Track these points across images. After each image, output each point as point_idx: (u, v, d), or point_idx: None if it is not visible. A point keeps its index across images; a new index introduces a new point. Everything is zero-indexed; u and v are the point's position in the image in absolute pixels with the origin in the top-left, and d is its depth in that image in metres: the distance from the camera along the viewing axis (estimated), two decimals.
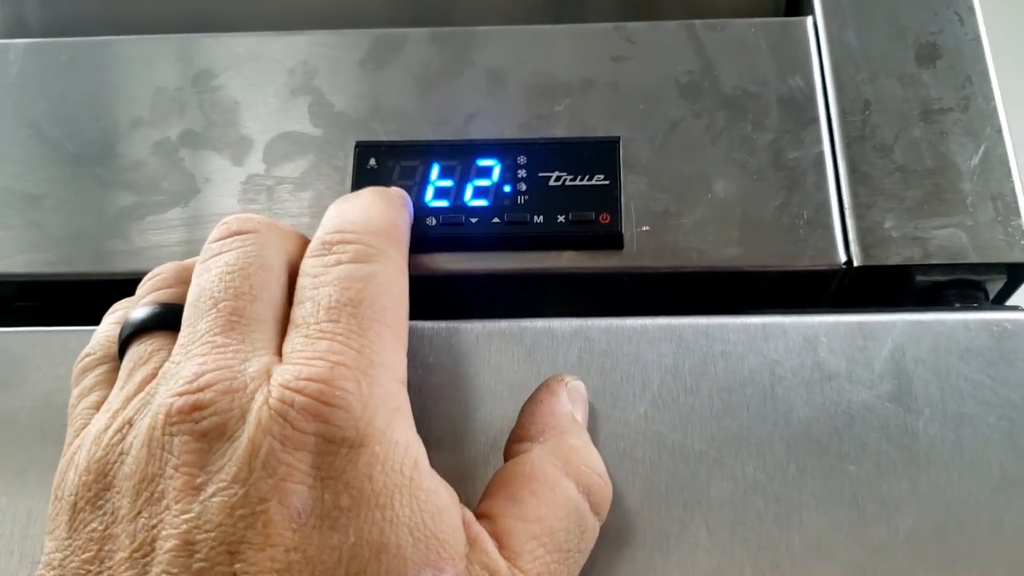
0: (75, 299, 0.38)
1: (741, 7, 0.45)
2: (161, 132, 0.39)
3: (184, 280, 0.29)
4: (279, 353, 0.26)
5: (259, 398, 0.24)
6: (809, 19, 0.40)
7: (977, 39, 0.38)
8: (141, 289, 0.30)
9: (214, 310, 0.26)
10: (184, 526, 0.23)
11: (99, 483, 0.25)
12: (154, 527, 0.23)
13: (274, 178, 0.38)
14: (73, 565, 0.24)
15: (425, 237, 0.35)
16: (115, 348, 0.29)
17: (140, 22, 0.47)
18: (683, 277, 0.35)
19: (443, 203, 0.36)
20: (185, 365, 0.25)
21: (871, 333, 0.32)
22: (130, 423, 0.25)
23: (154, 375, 0.27)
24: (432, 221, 0.36)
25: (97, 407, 0.28)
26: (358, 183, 0.37)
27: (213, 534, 0.22)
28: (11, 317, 0.38)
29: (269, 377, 0.25)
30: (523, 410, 0.30)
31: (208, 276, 0.28)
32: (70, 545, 0.24)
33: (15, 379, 0.34)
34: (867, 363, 0.32)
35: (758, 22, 0.40)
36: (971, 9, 0.39)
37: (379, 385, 0.25)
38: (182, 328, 0.27)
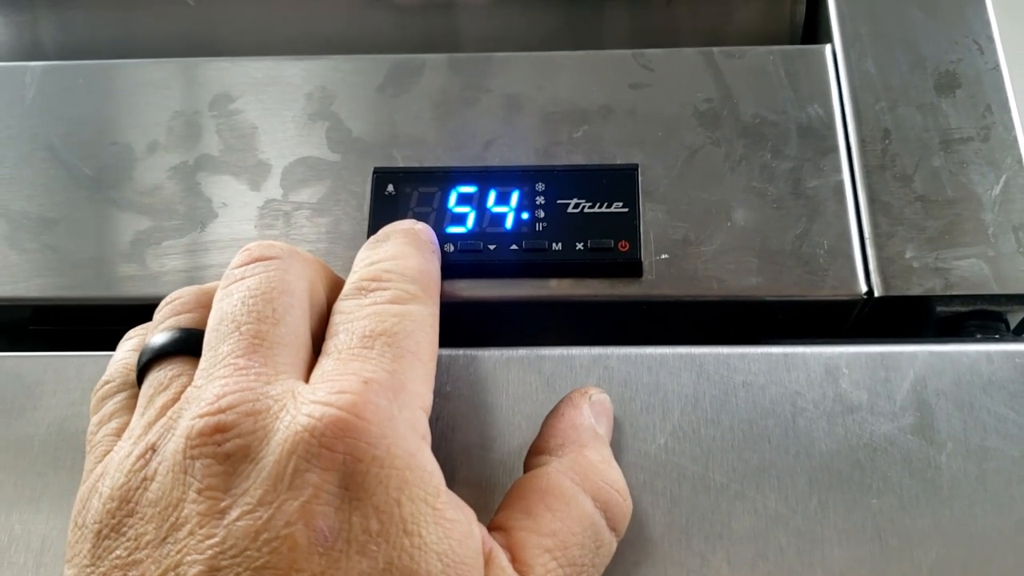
0: (90, 324, 0.38)
1: (757, 34, 0.45)
2: (178, 156, 0.39)
3: (204, 305, 0.29)
4: (303, 378, 0.26)
5: (285, 417, 0.24)
6: (828, 47, 0.40)
7: (997, 68, 0.38)
8: (159, 314, 0.30)
9: (236, 333, 0.26)
10: (209, 551, 0.22)
11: (122, 510, 0.24)
12: (179, 552, 0.23)
13: (292, 203, 0.38)
14: None
15: (443, 264, 0.35)
16: (134, 375, 0.29)
17: (156, 45, 0.47)
18: (703, 306, 0.35)
19: (461, 230, 0.36)
20: (207, 388, 0.25)
21: (893, 364, 0.32)
22: (153, 448, 0.25)
23: (176, 400, 0.26)
24: (450, 248, 0.36)
25: (118, 434, 0.27)
26: (376, 209, 0.36)
27: (238, 559, 0.22)
28: (25, 341, 0.38)
29: (295, 397, 0.25)
30: (545, 422, 0.30)
31: (230, 300, 0.27)
32: (93, 572, 0.24)
33: (28, 405, 0.33)
34: (889, 395, 0.31)
35: (776, 50, 0.39)
36: (990, 38, 0.39)
37: (408, 409, 0.25)
38: (203, 352, 0.27)
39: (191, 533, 0.23)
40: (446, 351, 0.33)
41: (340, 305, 0.28)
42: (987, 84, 0.38)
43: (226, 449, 0.24)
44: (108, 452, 0.27)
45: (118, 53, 0.46)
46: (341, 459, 0.23)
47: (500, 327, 0.37)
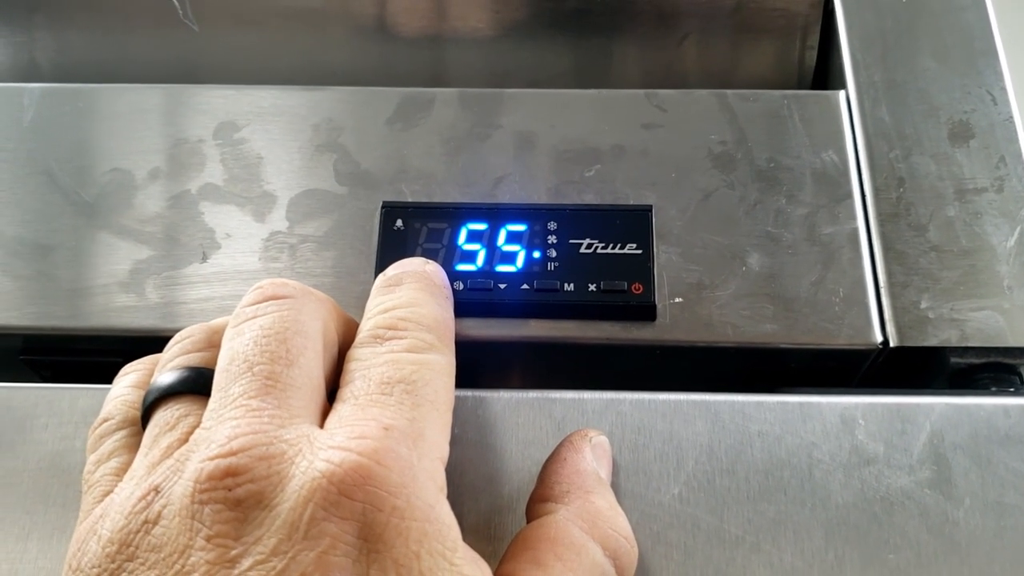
0: (85, 355, 0.36)
1: (766, 78, 0.45)
2: (180, 184, 0.38)
3: (214, 344, 0.28)
4: (317, 423, 0.25)
5: (302, 463, 0.23)
6: (842, 93, 0.39)
7: (1010, 119, 0.38)
8: (168, 352, 0.29)
9: (248, 374, 0.25)
10: None
11: (122, 554, 0.23)
12: None
13: (297, 236, 0.37)
14: None
15: (453, 304, 0.34)
16: (136, 413, 0.28)
17: (155, 70, 0.47)
18: (717, 352, 0.35)
19: (471, 267, 0.35)
20: (217, 430, 0.24)
21: (909, 416, 0.31)
22: (156, 490, 0.24)
23: (182, 441, 0.25)
24: (459, 285, 0.35)
25: (118, 474, 0.26)
26: (384, 244, 0.36)
27: None
28: (16, 371, 0.37)
29: (311, 442, 0.24)
30: (546, 468, 0.29)
31: (242, 340, 0.26)
32: None
33: (18, 439, 0.32)
34: (905, 448, 0.31)
35: (790, 94, 0.39)
36: (1003, 89, 0.39)
37: (428, 459, 0.24)
38: (213, 393, 0.26)
39: None
40: (458, 393, 0.32)
41: (356, 352, 0.27)
42: (1000, 135, 0.38)
43: (237, 495, 0.22)
44: (108, 492, 0.26)
45: (116, 77, 0.45)
46: (360, 508, 0.22)
47: (510, 369, 0.37)
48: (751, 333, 0.34)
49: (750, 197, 0.37)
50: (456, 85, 0.40)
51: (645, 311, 0.34)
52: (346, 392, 0.26)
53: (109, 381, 0.32)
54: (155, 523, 0.23)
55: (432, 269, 0.32)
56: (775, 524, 0.30)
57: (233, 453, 0.23)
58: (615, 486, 0.30)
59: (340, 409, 0.25)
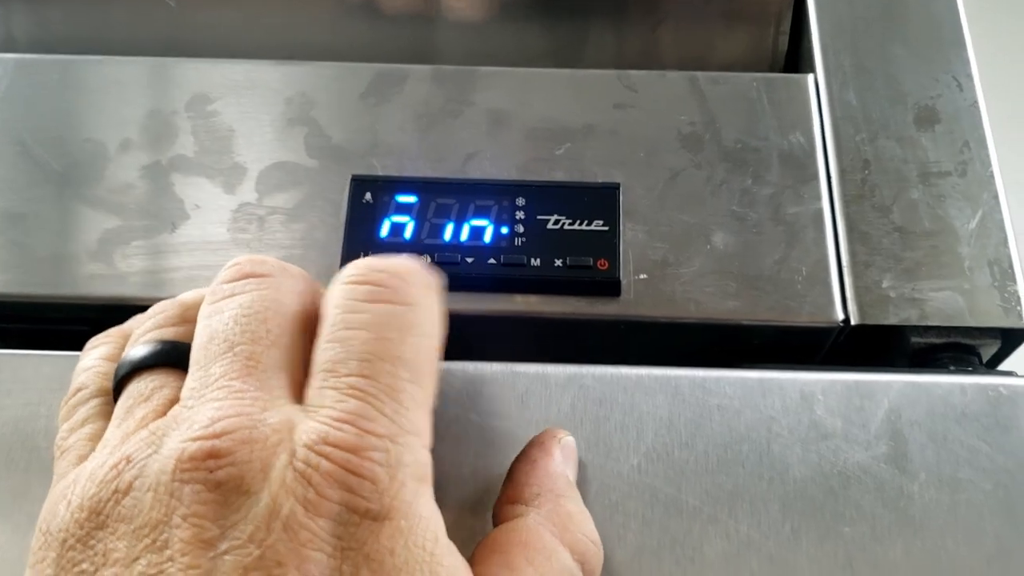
0: (52, 323, 0.37)
1: (740, 62, 0.45)
2: (151, 156, 0.38)
3: (188, 320, 0.28)
4: (298, 400, 0.25)
5: (282, 456, 0.23)
6: (810, 77, 0.40)
7: (975, 105, 0.39)
8: (142, 327, 0.29)
9: (230, 354, 0.25)
10: None
11: (91, 521, 0.23)
12: (154, 575, 0.22)
13: (266, 208, 0.37)
14: None
15: None
16: (107, 383, 0.28)
17: (132, 44, 0.47)
18: (680, 328, 0.35)
19: (438, 241, 0.36)
20: (199, 410, 0.24)
21: (867, 393, 0.32)
22: (128, 460, 0.24)
23: (158, 413, 0.25)
24: (427, 260, 0.35)
25: (93, 439, 0.26)
26: (353, 217, 0.36)
27: None
28: None
29: (292, 431, 0.24)
30: (515, 468, 0.29)
31: (221, 318, 0.26)
32: None
33: None
34: (863, 423, 0.31)
35: (760, 77, 0.40)
36: (969, 76, 0.39)
37: (408, 454, 0.24)
38: (191, 370, 0.26)
39: (170, 559, 0.22)
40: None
41: (334, 294, 0.27)
42: (965, 120, 0.38)
43: (218, 477, 0.23)
44: (83, 457, 0.26)
45: (92, 50, 0.45)
46: (336, 509, 0.23)
47: (475, 342, 0.37)
48: (714, 309, 0.35)
49: (717, 177, 0.37)
50: (429, 63, 0.41)
51: (610, 287, 0.35)
52: (326, 358, 0.25)
53: (75, 349, 0.32)
54: (125, 493, 0.23)
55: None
56: (732, 496, 0.30)
57: (216, 436, 0.23)
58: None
59: (318, 385, 0.25)
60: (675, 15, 0.45)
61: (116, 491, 0.23)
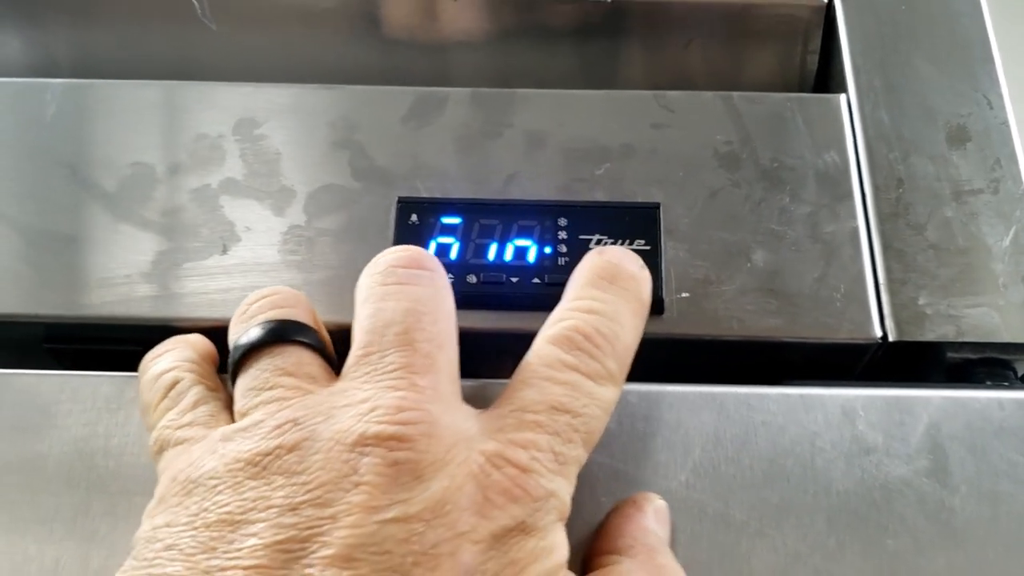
0: (105, 344, 0.37)
1: (769, 81, 0.46)
2: (200, 179, 0.39)
3: (301, 304, 0.30)
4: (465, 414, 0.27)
5: (459, 455, 0.25)
6: (843, 96, 0.41)
7: (1006, 124, 0.39)
8: (255, 305, 0.30)
9: (410, 348, 0.27)
10: (351, 540, 0.23)
11: (245, 471, 0.25)
12: (310, 528, 0.23)
13: (315, 229, 0.38)
14: (190, 541, 0.24)
15: (464, 294, 0.35)
16: (200, 375, 0.30)
17: (172, 68, 0.48)
18: (722, 345, 0.36)
19: (483, 261, 0.36)
20: (383, 395, 0.25)
21: (907, 408, 0.33)
22: (295, 422, 0.25)
23: (312, 379, 0.27)
24: (472, 279, 0.36)
25: (213, 415, 0.28)
26: (399, 238, 0.37)
27: (380, 557, 0.23)
28: (38, 359, 0.38)
29: (470, 444, 0.25)
30: (608, 522, 0.30)
31: (395, 305, 0.28)
32: (192, 522, 0.24)
33: (44, 424, 0.33)
34: (904, 438, 0.32)
35: (794, 97, 0.40)
36: (999, 94, 0.40)
37: (561, 490, 0.26)
38: (360, 347, 0.27)
39: (333, 517, 0.23)
40: (466, 383, 0.33)
41: (539, 347, 0.29)
42: (996, 138, 0.39)
43: (396, 456, 0.24)
44: (198, 440, 0.27)
45: (133, 74, 0.45)
46: (497, 514, 0.24)
47: (520, 360, 0.38)
48: (755, 327, 0.36)
49: (755, 196, 0.38)
50: (466, 86, 0.41)
51: (653, 305, 0.35)
52: (516, 398, 0.27)
53: (129, 369, 0.33)
54: (290, 451, 0.25)
55: (646, 276, 0.31)
56: (779, 510, 0.31)
57: (403, 424, 0.25)
58: (625, 475, 0.31)
59: (506, 415, 0.27)
60: (704, 35, 0.46)
61: (280, 447, 0.25)
